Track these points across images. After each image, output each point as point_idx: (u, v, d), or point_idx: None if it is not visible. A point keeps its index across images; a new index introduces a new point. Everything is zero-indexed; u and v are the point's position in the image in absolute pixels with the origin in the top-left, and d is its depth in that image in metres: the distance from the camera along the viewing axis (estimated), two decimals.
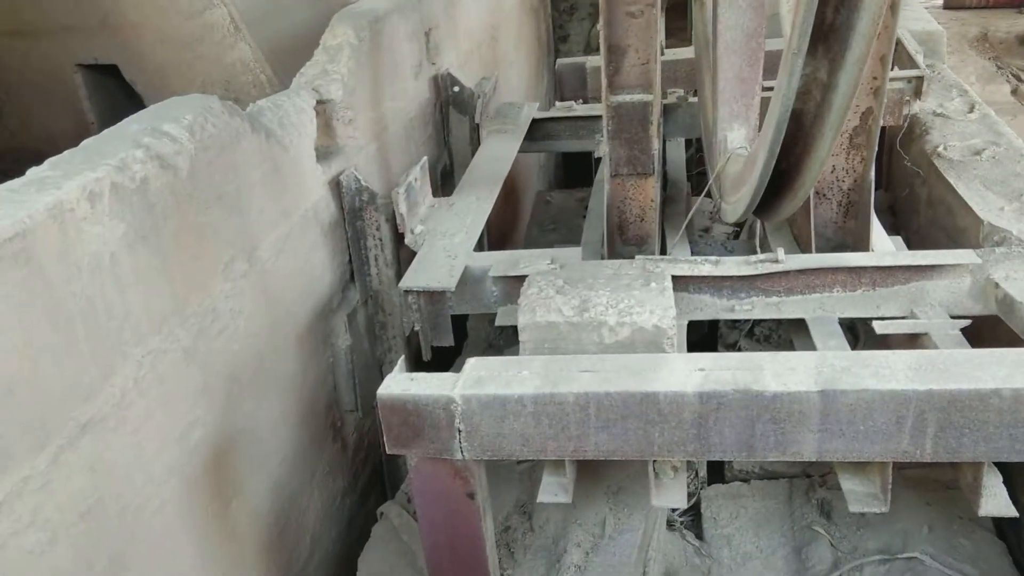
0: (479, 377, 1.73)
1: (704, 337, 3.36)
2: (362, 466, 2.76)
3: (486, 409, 1.67)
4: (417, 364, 2.78)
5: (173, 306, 1.81)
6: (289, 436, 2.32)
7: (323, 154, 2.62)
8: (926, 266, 2.11)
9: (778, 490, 2.51)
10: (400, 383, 1.72)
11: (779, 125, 1.46)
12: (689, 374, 1.66)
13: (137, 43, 4.63)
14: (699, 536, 2.50)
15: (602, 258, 2.88)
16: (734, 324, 3.24)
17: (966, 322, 1.99)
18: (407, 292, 2.32)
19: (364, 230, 2.67)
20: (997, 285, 2.04)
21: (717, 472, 2.78)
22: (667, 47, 5.84)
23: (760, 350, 3.12)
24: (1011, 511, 1.62)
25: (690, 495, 2.62)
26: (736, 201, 2.07)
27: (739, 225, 3.46)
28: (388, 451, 1.75)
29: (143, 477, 1.69)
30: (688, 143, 4.22)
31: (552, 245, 3.64)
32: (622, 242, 2.93)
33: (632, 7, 2.37)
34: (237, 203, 2.10)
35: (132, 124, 1.88)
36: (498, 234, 4.48)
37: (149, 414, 1.71)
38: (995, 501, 1.61)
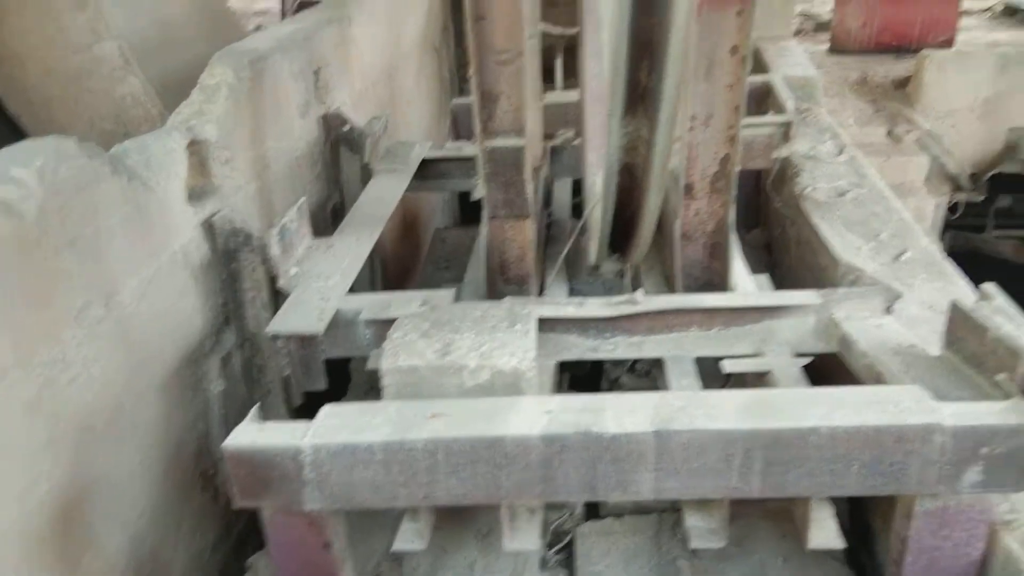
0: (331, 425, 1.73)
1: (589, 373, 3.43)
2: (237, 516, 2.69)
3: (335, 458, 1.67)
4: (298, 409, 2.75)
5: (15, 358, 1.75)
6: (151, 486, 2.25)
7: (197, 194, 2.59)
8: (773, 307, 2.22)
9: (647, 525, 2.56)
10: (249, 433, 1.70)
11: (608, 180, 1.53)
12: (537, 417, 1.70)
13: (22, 76, 4.48)
14: (572, 574, 2.53)
15: (482, 298, 2.92)
16: (617, 360, 3.32)
17: (806, 360, 2.10)
18: (276, 336, 2.30)
19: (239, 272, 2.63)
20: (837, 324, 2.16)
21: (596, 508, 2.82)
22: (566, 88, 6.01)
23: (641, 385, 3.20)
24: (839, 543, 1.70)
25: (565, 533, 2.65)
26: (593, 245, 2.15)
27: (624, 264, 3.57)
28: (236, 504, 1.72)
29: None
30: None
31: (446, 283, 3.67)
32: (503, 282, 2.98)
33: (502, 56, 2.44)
34: (94, 247, 2.05)
35: None
36: (397, 272, 4.49)
37: None
38: (824, 533, 1.70)
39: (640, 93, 1.34)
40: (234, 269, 2.64)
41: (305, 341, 2.32)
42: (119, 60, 4.47)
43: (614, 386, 3.24)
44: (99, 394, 2.04)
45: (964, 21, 7.39)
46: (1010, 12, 8.41)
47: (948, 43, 6.74)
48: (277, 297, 2.70)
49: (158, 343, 2.32)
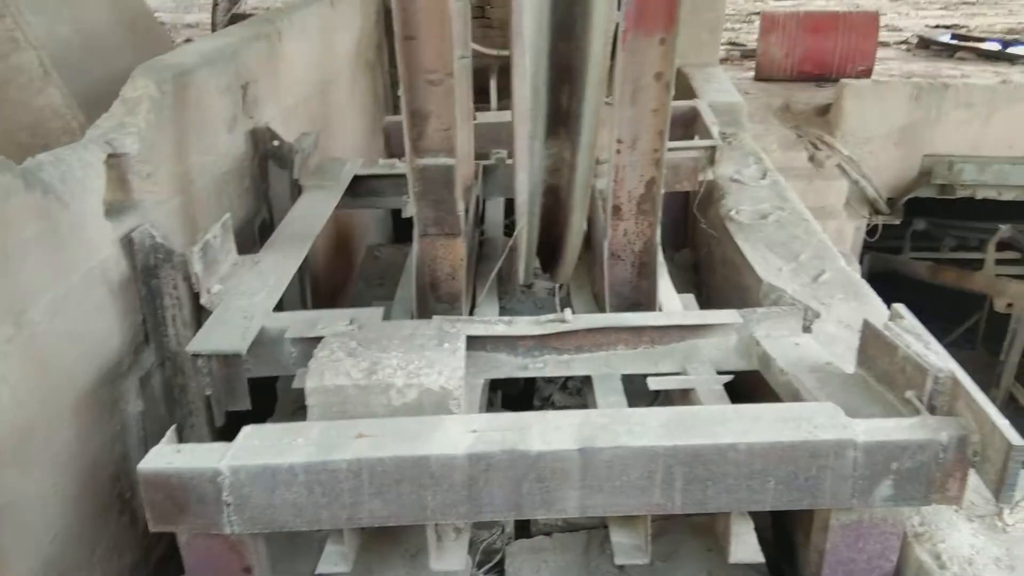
0: (251, 446, 1.69)
1: (522, 392, 3.44)
2: (156, 540, 2.60)
3: (256, 480, 1.63)
4: (223, 429, 2.68)
5: None
6: (64, 509, 2.16)
7: (116, 209, 2.52)
8: (697, 325, 2.27)
9: (577, 542, 2.57)
10: (164, 456, 1.65)
11: (531, 201, 1.55)
12: (462, 436, 1.70)
13: None
14: None
15: (413, 316, 2.90)
16: (550, 378, 3.34)
17: (728, 377, 2.15)
18: (197, 355, 2.24)
19: (160, 289, 2.56)
20: (758, 343, 2.21)
21: (526, 526, 2.82)
22: (501, 108, 6.06)
23: (573, 402, 3.22)
24: (759, 557, 1.74)
25: (496, 551, 2.64)
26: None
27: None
28: (151, 528, 1.67)
29: None
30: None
31: (379, 300, 3.63)
32: (434, 300, 2.96)
33: (432, 76, 2.44)
34: (4, 263, 1.97)
35: None
36: (329, 288, 4.42)
37: None
38: (744, 548, 1.73)
39: (562, 116, 1.36)
40: (154, 286, 2.56)
41: (228, 360, 2.26)
42: (38, 70, 4.32)
43: (546, 404, 3.25)
44: (8, 415, 1.95)
45: (881, 52, 7.75)
46: (924, 44, 8.86)
47: (866, 73, 7.05)
48: (200, 315, 2.63)
49: (73, 362, 2.23)
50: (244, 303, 2.45)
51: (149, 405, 2.57)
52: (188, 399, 2.70)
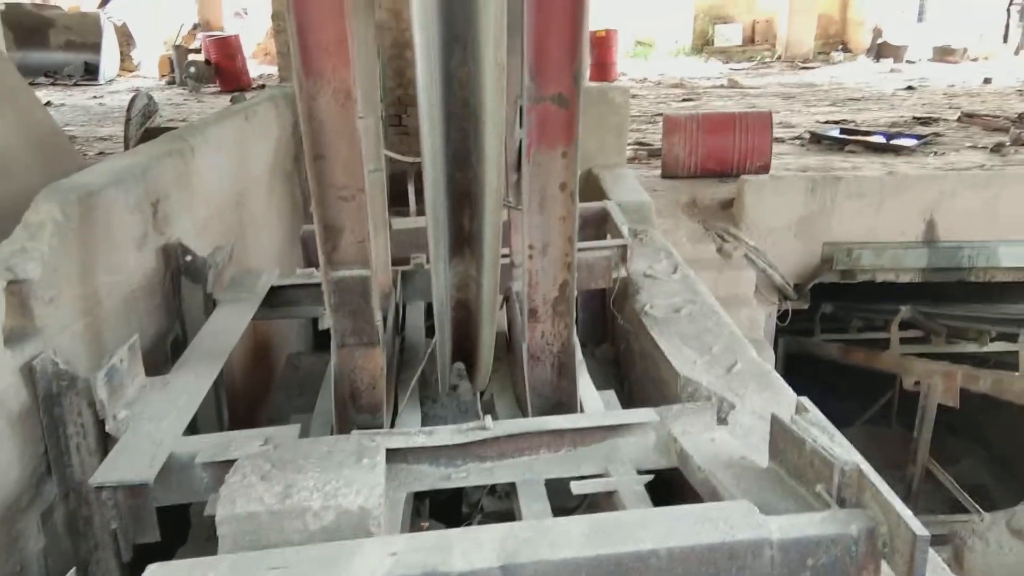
0: None
1: (451, 497, 3.37)
2: None
3: None
4: (131, 564, 2.53)
5: None
6: None
7: (17, 336, 2.43)
8: (616, 425, 2.29)
9: None
10: None
11: (441, 317, 1.57)
12: (381, 560, 1.65)
13: None
14: None
15: (332, 429, 2.84)
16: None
17: (648, 477, 2.17)
18: (100, 488, 2.13)
19: (63, 417, 2.45)
20: (676, 440, 2.25)
21: None
22: (420, 213, 6.14)
23: (501, 506, 3.18)
24: None
25: None
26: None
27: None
28: None
29: None
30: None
31: (298, 411, 3.55)
32: (356, 410, 2.92)
33: (343, 192, 2.47)
34: None
35: None
36: (248, 403, 4.30)
37: None
38: None
39: (465, 238, 1.42)
40: (57, 414, 2.45)
41: (134, 490, 2.16)
42: None
43: (474, 509, 3.19)
44: None
45: (777, 148, 8.24)
46: (816, 139, 9.46)
47: (765, 168, 7.47)
48: (107, 442, 2.52)
49: None
50: (152, 428, 2.37)
51: (52, 540, 2.42)
52: (94, 532, 2.55)
